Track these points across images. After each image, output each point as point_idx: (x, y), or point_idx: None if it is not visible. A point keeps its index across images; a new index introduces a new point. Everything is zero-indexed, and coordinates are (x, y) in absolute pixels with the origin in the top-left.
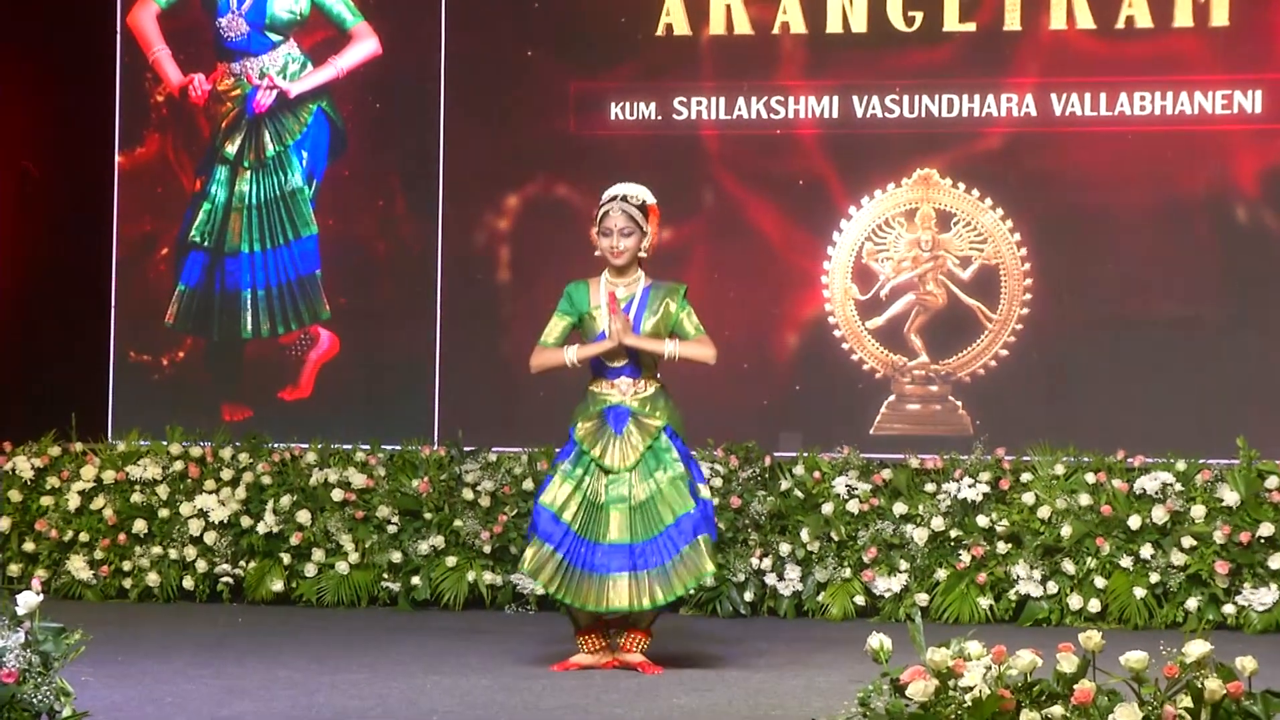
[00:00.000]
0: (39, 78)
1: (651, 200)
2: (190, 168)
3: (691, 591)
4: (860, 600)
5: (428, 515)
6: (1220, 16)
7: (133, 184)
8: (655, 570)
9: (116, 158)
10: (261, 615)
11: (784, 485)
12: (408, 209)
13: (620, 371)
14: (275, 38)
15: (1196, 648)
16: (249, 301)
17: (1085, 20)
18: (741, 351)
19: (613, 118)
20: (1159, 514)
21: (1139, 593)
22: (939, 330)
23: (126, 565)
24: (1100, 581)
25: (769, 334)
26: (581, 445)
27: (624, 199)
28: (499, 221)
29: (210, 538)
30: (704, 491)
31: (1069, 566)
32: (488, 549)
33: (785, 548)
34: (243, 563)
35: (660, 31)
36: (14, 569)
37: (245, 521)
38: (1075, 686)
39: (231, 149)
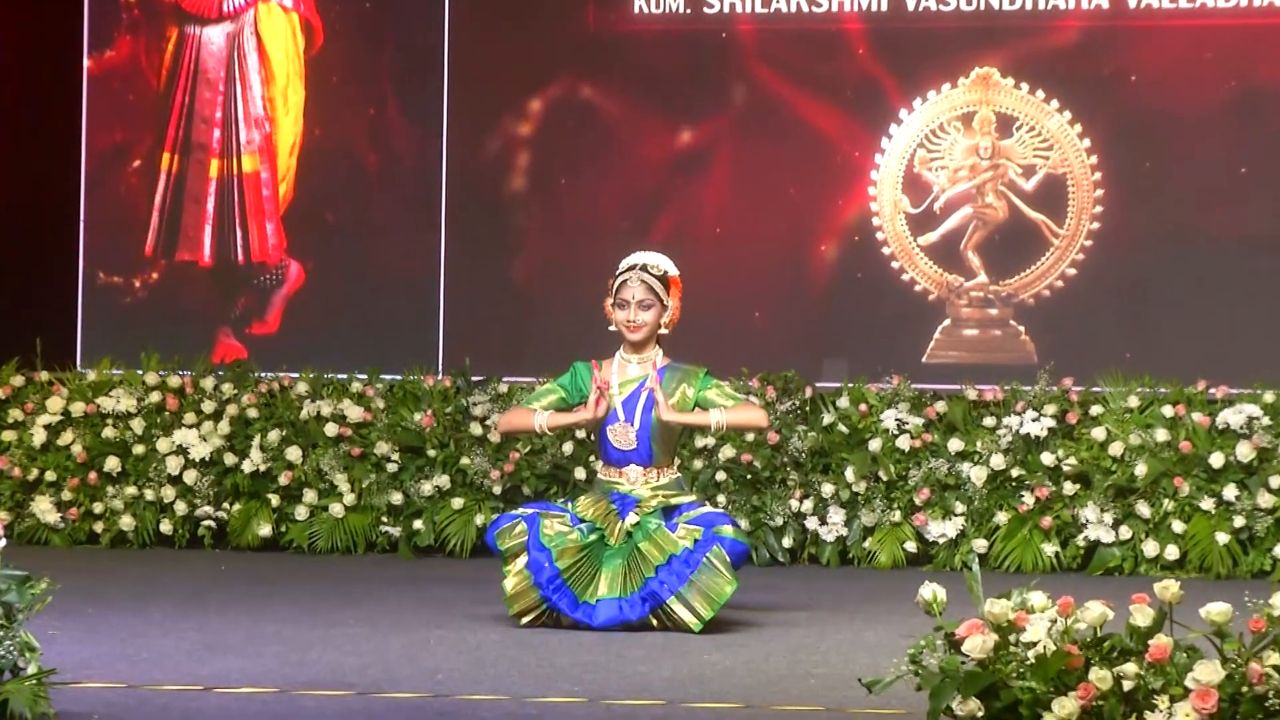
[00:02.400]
0: None
1: (674, 271)
2: (164, 72)
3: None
4: (911, 547)
5: (431, 452)
6: None
7: (102, 90)
8: (669, 600)
9: (85, 61)
10: (247, 562)
11: (827, 419)
12: (401, 115)
13: (628, 458)
14: None
15: None
16: (228, 221)
17: None
18: (778, 271)
19: (636, 10)
20: (1244, 451)
21: (1222, 538)
22: (999, 247)
23: (98, 507)
24: (1178, 526)
25: (809, 251)
26: (581, 515)
27: (643, 268)
28: (510, 127)
29: (190, 477)
30: (727, 530)
31: (1144, 509)
32: (498, 490)
33: (828, 489)
34: (226, 505)
35: None
36: None
37: (229, 459)
38: (1150, 642)
39: (207, 54)
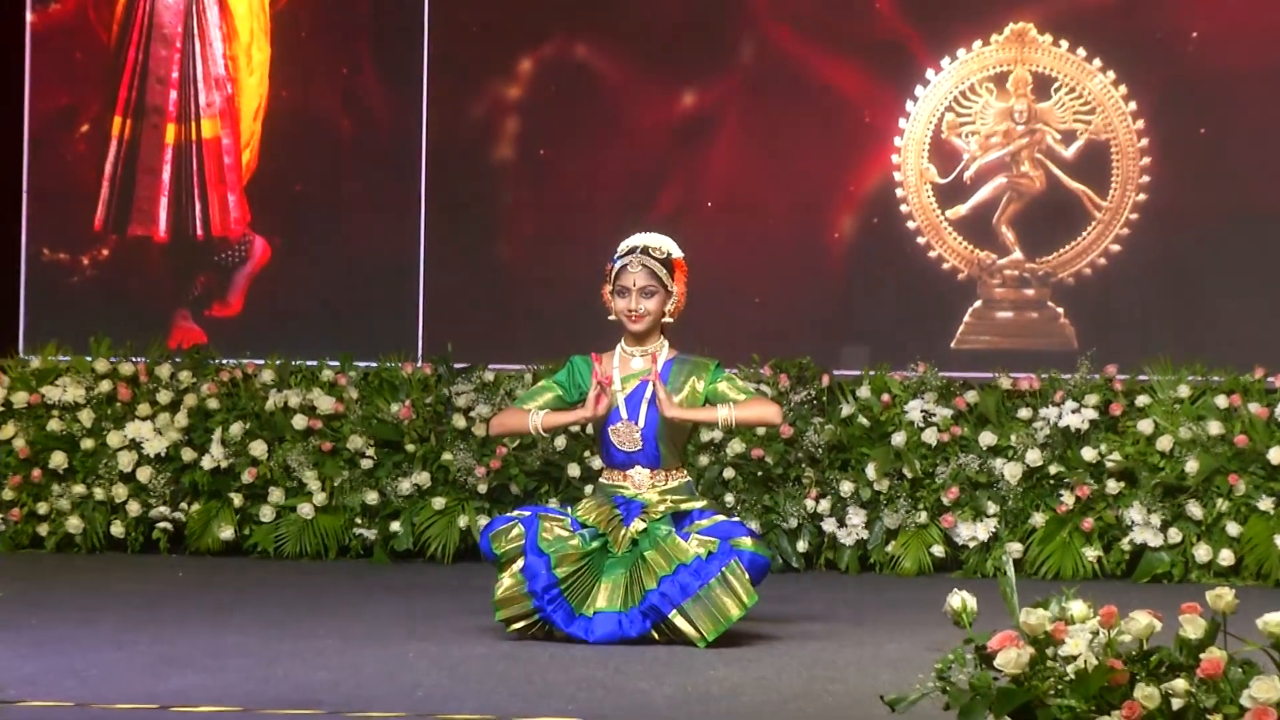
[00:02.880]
0: None
1: (678, 253)
2: (115, 28)
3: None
4: (938, 551)
5: (410, 447)
6: None
7: (47, 47)
8: (672, 614)
9: (28, 16)
10: (207, 568)
11: (845, 411)
12: (377, 76)
13: (633, 460)
14: None
15: None
16: (186, 192)
17: None
18: (792, 248)
19: None
20: None
21: None
22: (1036, 220)
23: (42, 508)
24: (1233, 528)
25: (826, 226)
26: (583, 520)
27: (645, 252)
28: (497, 90)
29: (144, 474)
30: (746, 542)
31: (1195, 510)
32: (483, 488)
33: (847, 487)
34: (184, 505)
35: None
36: None
37: (187, 455)
38: (1202, 656)
39: (163, 7)
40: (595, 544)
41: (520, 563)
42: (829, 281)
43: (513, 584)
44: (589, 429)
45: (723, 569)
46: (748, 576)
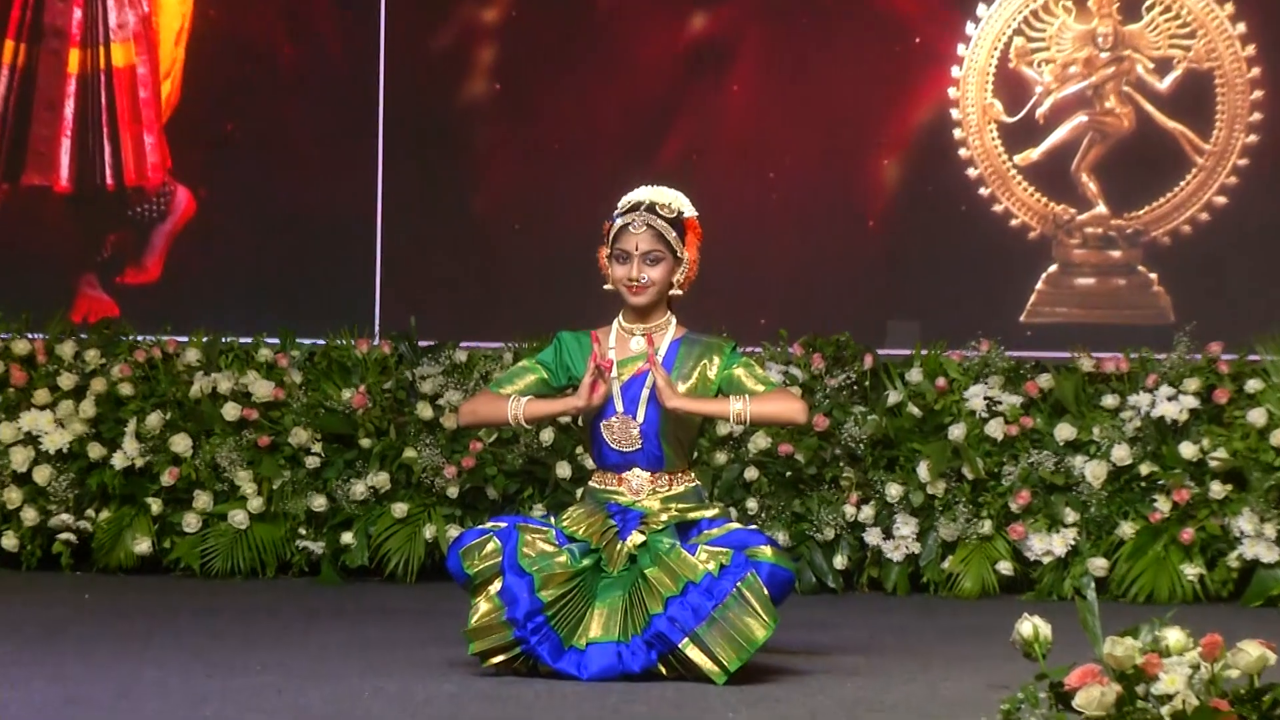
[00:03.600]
0: None
1: (690, 211)
2: None
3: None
4: (1005, 568)
5: (365, 442)
6: None
7: None
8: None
9: None
10: (119, 589)
11: (893, 398)
12: None
13: (630, 461)
14: None
15: None
16: (93, 133)
17: None
18: (826, 202)
19: None
20: None
21: None
22: (1124, 167)
23: None
24: None
25: (868, 175)
26: (570, 533)
27: (651, 209)
28: (470, 13)
29: (42, 475)
30: (765, 552)
31: None
32: (453, 492)
33: (894, 490)
34: (91, 512)
35: None
36: None
37: (94, 451)
38: None
39: None
40: (586, 561)
41: (497, 584)
42: (871, 243)
43: (489, 610)
44: (580, 420)
45: (737, 584)
46: (767, 593)
